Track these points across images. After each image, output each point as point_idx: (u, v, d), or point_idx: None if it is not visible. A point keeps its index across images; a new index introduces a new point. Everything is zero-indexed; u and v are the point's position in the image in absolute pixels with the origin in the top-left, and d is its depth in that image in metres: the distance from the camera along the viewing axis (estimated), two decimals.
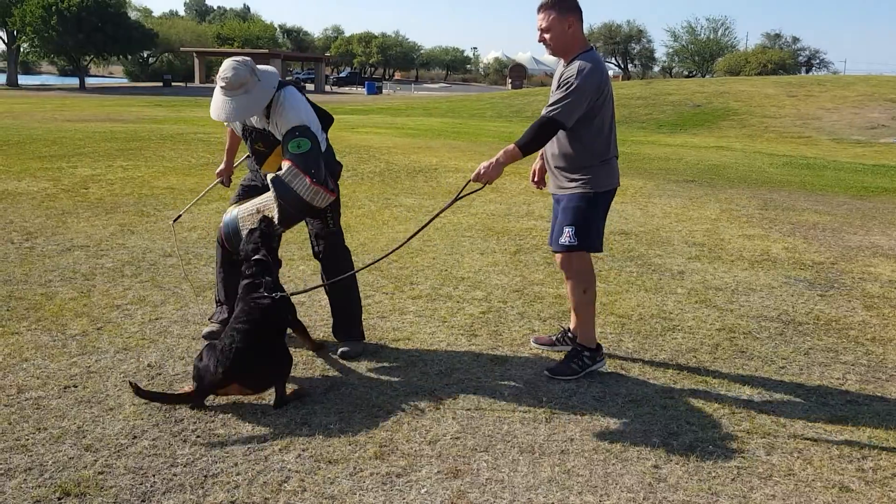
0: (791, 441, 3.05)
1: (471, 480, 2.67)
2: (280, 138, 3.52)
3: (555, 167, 3.62)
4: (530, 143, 3.37)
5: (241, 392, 3.12)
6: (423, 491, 2.59)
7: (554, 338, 4.00)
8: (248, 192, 3.90)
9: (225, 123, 3.88)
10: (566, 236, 3.51)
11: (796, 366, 3.87)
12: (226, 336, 3.13)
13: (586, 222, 3.50)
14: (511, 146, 3.36)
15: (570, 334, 3.93)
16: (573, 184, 3.53)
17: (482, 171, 3.38)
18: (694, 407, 3.32)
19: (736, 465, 2.85)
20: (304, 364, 3.60)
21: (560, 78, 3.43)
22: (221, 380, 3.02)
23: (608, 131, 3.49)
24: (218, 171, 4.26)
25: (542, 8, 3.40)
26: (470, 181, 3.43)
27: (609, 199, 3.60)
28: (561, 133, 3.45)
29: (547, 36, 3.42)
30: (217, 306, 3.99)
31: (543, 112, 3.38)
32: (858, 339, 4.31)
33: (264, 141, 3.68)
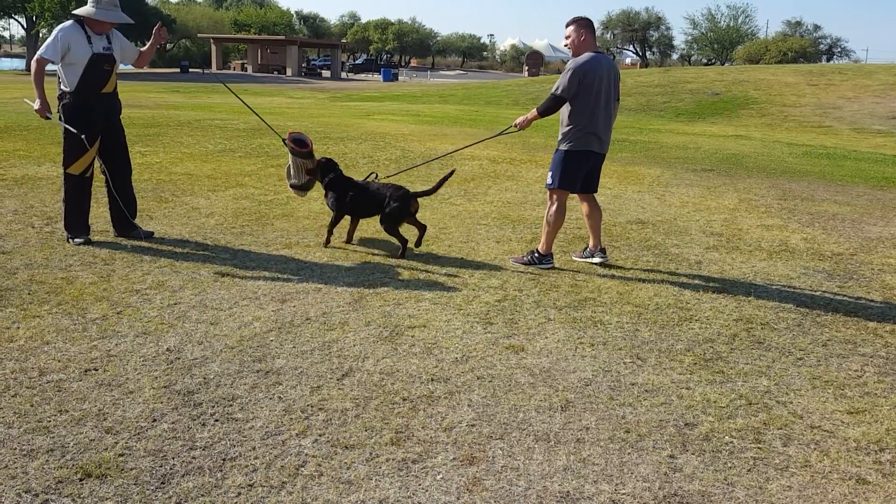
0: (808, 432, 3.04)
1: (486, 468, 2.68)
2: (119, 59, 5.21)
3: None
4: (546, 111, 5.07)
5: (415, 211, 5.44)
6: (438, 477, 2.61)
7: (585, 252, 5.47)
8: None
9: (34, 72, 5.01)
10: (548, 178, 5.20)
11: (814, 357, 3.85)
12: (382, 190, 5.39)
13: (561, 170, 5.09)
14: (534, 110, 5.13)
15: (590, 248, 5.41)
16: (560, 144, 5.13)
17: (519, 121, 5.22)
18: (710, 397, 3.31)
19: (752, 455, 2.84)
20: (321, 350, 3.62)
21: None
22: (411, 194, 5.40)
23: (591, 112, 4.97)
24: (38, 109, 5.04)
25: (567, 24, 5.06)
26: (511, 126, 5.36)
27: (584, 158, 5.08)
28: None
29: (567, 42, 5.10)
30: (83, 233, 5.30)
31: (552, 91, 5.06)
32: (877, 330, 4.27)
33: (111, 62, 5.14)
